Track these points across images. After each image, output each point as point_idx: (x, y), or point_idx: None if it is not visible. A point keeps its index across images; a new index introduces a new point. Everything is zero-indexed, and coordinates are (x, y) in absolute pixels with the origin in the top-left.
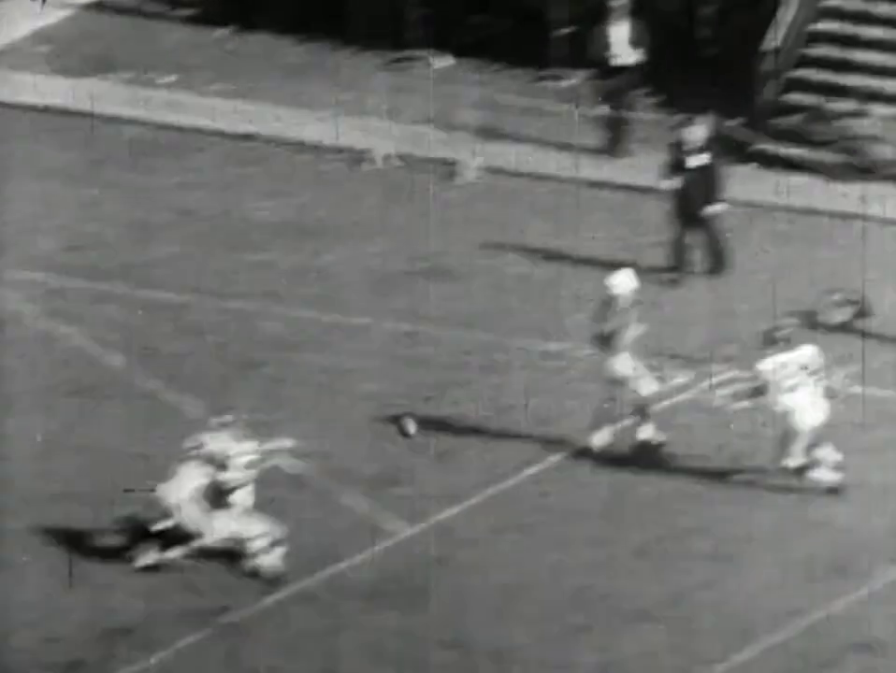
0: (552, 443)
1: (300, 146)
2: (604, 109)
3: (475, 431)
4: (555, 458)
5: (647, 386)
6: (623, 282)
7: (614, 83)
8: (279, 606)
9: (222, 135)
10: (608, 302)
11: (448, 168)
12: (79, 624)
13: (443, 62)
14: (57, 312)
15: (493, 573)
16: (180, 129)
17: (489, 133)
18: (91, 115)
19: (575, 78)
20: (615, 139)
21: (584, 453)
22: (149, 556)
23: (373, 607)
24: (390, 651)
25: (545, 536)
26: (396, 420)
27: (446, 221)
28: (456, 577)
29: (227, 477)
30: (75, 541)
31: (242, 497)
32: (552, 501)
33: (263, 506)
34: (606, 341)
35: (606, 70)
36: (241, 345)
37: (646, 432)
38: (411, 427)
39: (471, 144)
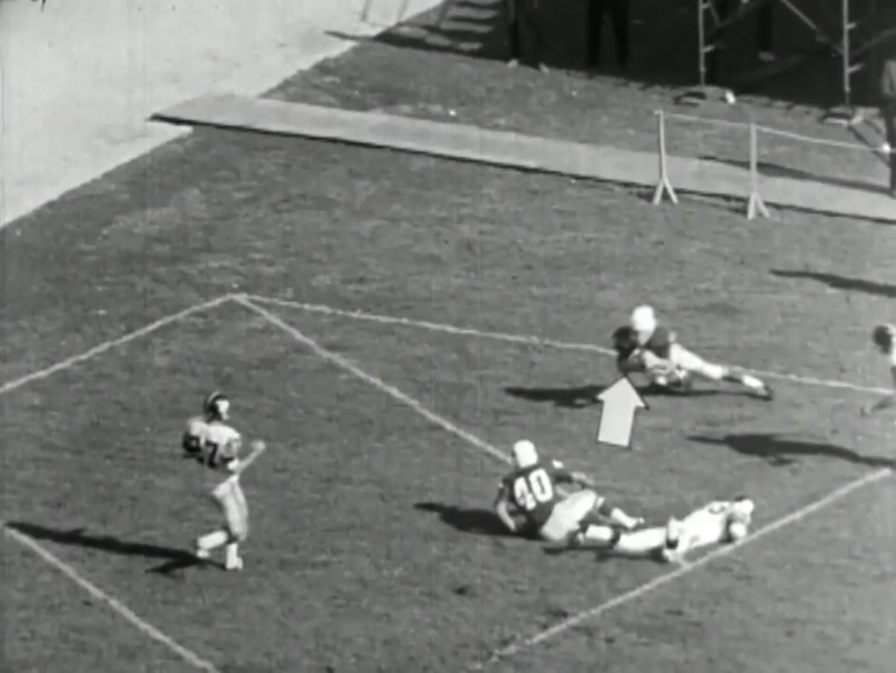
0: (836, 479)
1: (586, 180)
2: (892, 147)
3: (757, 466)
4: (840, 492)
5: None
6: None
7: None
8: (558, 638)
9: (506, 168)
10: None
11: (733, 204)
12: (357, 655)
13: (731, 98)
14: (337, 345)
15: (772, 608)
16: (464, 162)
17: (776, 170)
18: (376, 147)
19: (862, 116)
20: None
21: (871, 487)
22: None
23: (651, 640)
24: None
25: (827, 571)
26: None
27: (729, 257)
28: (735, 611)
29: None
30: (357, 572)
31: None
32: (834, 536)
33: None
34: None
35: (894, 108)
36: (522, 378)
37: None
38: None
39: (755, 181)
